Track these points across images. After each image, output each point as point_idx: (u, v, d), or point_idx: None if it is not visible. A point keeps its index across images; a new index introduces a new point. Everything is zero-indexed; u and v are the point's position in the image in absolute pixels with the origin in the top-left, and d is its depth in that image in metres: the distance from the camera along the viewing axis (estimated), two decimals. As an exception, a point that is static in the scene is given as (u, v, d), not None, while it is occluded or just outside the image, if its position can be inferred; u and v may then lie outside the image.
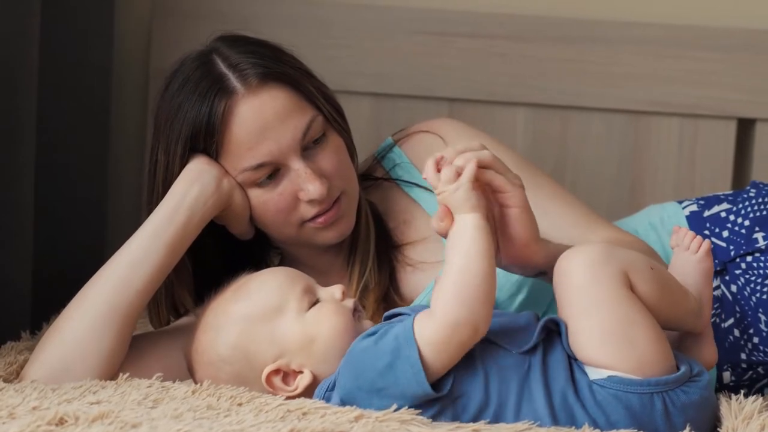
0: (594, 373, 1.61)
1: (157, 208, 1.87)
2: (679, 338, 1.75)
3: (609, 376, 1.60)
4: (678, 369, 1.63)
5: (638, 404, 1.60)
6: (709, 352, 1.74)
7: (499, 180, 1.68)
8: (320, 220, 1.90)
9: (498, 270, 1.90)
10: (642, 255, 1.69)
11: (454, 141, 1.94)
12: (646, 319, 1.63)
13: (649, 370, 1.60)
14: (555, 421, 1.60)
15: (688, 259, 1.75)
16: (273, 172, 1.88)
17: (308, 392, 1.67)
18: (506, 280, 1.92)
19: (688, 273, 1.74)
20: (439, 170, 1.65)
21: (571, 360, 1.63)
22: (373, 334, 1.64)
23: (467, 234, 1.62)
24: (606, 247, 1.67)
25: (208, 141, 1.87)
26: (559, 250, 1.71)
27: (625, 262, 1.65)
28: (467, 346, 1.60)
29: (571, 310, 1.64)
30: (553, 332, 1.66)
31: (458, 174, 1.64)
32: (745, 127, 2.69)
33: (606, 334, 1.61)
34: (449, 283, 1.61)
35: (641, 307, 1.63)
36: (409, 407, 1.58)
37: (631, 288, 1.64)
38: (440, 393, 1.59)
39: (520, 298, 1.93)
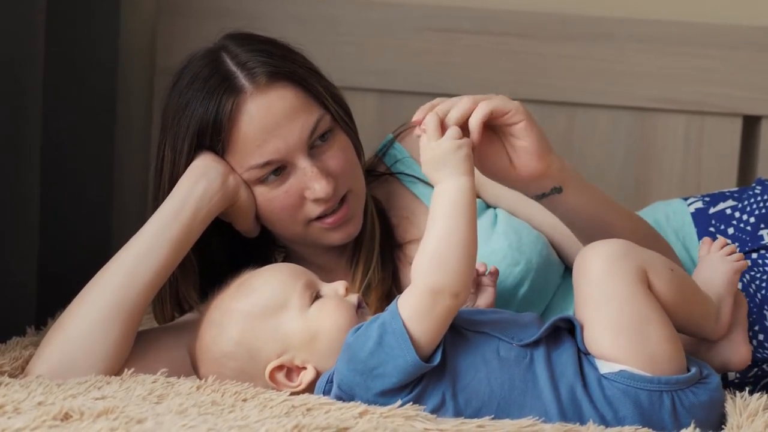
0: (605, 367, 1.62)
1: (162, 204, 1.87)
2: (696, 343, 1.75)
3: (620, 371, 1.60)
4: (688, 371, 1.64)
5: (647, 401, 1.60)
6: (740, 351, 1.75)
7: (496, 103, 1.71)
8: (329, 220, 1.90)
9: (501, 263, 1.92)
10: (662, 256, 1.70)
11: None
12: (661, 317, 1.63)
13: (659, 368, 1.61)
14: (563, 415, 1.60)
15: (714, 261, 1.76)
16: (279, 169, 1.88)
17: (311, 388, 1.67)
18: (509, 272, 1.92)
19: (714, 274, 1.75)
20: (443, 129, 1.67)
21: (581, 356, 1.64)
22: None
23: (461, 198, 1.62)
24: (625, 243, 1.67)
25: (214, 138, 1.87)
26: (573, 168, 1.75)
27: (643, 259, 1.65)
28: (450, 313, 1.60)
29: (587, 302, 1.64)
30: (562, 329, 1.66)
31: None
32: (751, 124, 2.69)
33: (620, 327, 1.61)
34: (431, 248, 1.61)
35: (657, 306, 1.63)
36: (404, 386, 1.58)
37: (649, 286, 1.64)
38: (430, 363, 1.59)
39: (522, 290, 1.94)
